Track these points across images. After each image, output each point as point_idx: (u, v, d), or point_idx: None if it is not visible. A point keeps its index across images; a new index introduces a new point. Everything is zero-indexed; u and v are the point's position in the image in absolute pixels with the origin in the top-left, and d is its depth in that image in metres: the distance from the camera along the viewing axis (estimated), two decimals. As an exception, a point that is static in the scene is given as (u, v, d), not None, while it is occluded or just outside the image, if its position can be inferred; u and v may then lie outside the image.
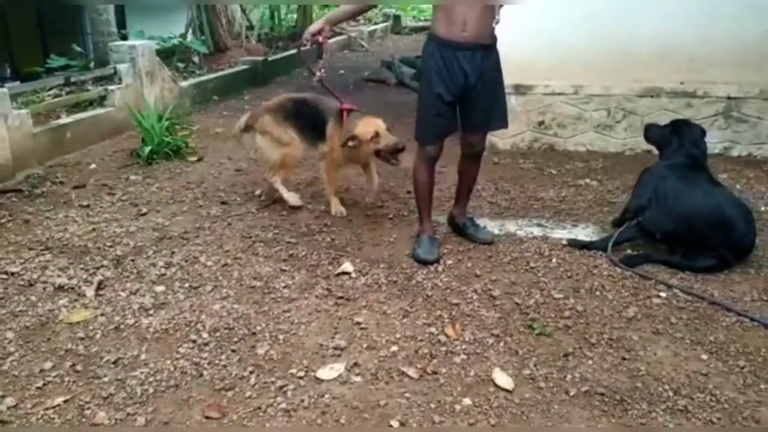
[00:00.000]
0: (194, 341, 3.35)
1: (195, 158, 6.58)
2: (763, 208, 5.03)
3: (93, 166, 6.29)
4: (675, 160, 4.35)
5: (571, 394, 2.95)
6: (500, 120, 4.23)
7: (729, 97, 6.22)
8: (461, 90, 4.01)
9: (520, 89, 6.48)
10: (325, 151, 5.02)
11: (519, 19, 5.95)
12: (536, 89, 6.51)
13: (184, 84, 9.03)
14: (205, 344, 3.32)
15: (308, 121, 5.06)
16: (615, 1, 6.19)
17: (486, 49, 3.97)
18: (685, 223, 4.07)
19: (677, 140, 4.49)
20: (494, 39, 4.03)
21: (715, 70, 6.21)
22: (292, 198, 5.17)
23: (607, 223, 4.80)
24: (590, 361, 3.19)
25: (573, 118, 6.54)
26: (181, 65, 10.24)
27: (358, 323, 3.52)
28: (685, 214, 4.07)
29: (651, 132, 4.81)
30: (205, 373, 3.10)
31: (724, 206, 4.05)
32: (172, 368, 3.13)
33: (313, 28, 4.48)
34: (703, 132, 4.56)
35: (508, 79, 6.21)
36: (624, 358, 3.21)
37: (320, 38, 4.45)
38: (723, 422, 2.77)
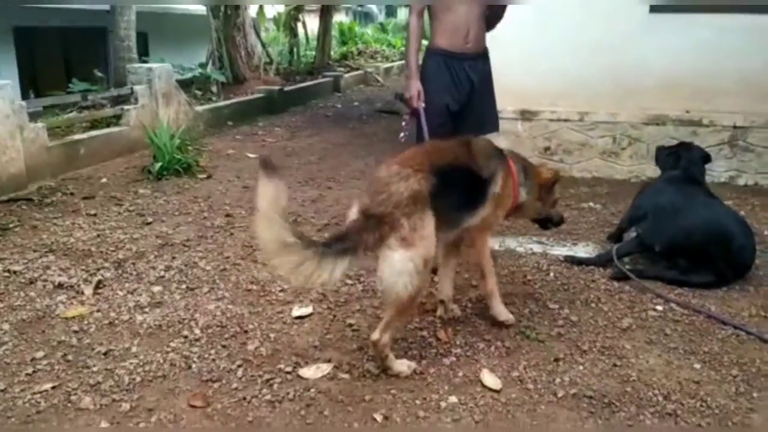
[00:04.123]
0: (186, 337, 3.37)
1: (204, 176, 6.68)
2: (767, 233, 4.99)
3: (104, 180, 6.41)
4: (672, 175, 4.36)
5: (559, 396, 2.92)
6: (492, 125, 4.33)
7: (734, 126, 6.24)
8: (467, 98, 4.12)
9: (525, 115, 6.54)
10: (479, 222, 3.33)
11: (527, 45, 6.08)
12: (542, 115, 6.57)
13: (199, 108, 9.23)
14: (197, 340, 3.34)
15: (463, 185, 3.21)
16: (622, 31, 6.27)
17: (485, 56, 4.16)
18: (683, 236, 4.05)
19: (676, 159, 4.55)
20: (486, 47, 4.24)
21: (721, 99, 6.24)
22: (405, 367, 3.10)
23: (608, 242, 4.78)
24: (581, 367, 3.16)
25: (579, 145, 6.58)
26: (199, 92, 10.47)
27: (351, 325, 3.52)
28: (683, 227, 4.05)
29: (658, 153, 4.86)
30: (193, 365, 3.11)
31: (722, 218, 4.05)
32: (161, 360, 3.14)
33: (414, 92, 4.09)
34: (706, 156, 4.59)
35: (515, 104, 6.32)
36: (615, 365, 3.18)
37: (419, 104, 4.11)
38: (713, 427, 2.72)
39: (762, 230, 5.05)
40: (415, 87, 4.06)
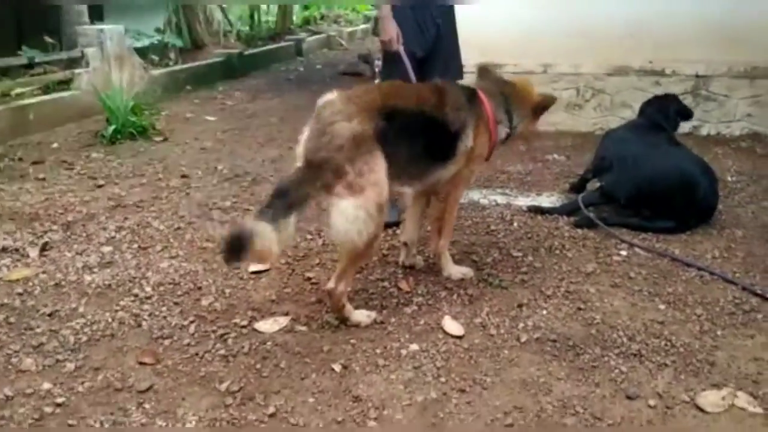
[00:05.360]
0: (136, 295, 3.22)
1: (160, 138, 6.45)
2: (729, 179, 4.99)
3: (55, 145, 6.15)
4: (636, 123, 4.30)
5: (523, 340, 2.85)
6: (457, 71, 4.18)
7: (697, 75, 6.20)
8: (433, 44, 3.99)
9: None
10: (450, 176, 3.19)
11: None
12: (505, 68, 6.39)
13: (155, 72, 8.92)
14: (148, 298, 3.20)
15: (426, 135, 3.00)
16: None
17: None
18: (647, 187, 3.99)
19: (646, 107, 4.50)
20: None
21: (683, 48, 6.18)
22: (365, 317, 2.99)
23: (568, 191, 4.73)
24: (544, 312, 3.10)
25: (543, 98, 6.47)
26: (156, 58, 10.14)
27: (309, 279, 3.41)
28: (647, 178, 3.99)
29: (642, 106, 4.78)
30: (143, 323, 2.97)
31: (686, 166, 3.99)
32: (109, 319, 3.00)
33: (392, 34, 3.79)
34: (683, 111, 4.54)
35: (477, 58, 6.15)
36: (579, 309, 3.12)
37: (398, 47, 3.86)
38: (677, 365, 2.68)
39: (725, 176, 5.03)
40: (393, 28, 3.83)
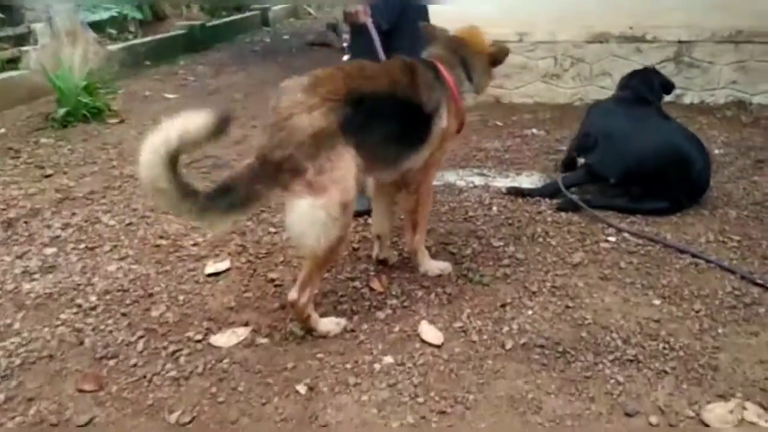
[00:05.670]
0: (80, 306, 2.90)
1: (116, 120, 6.05)
2: (717, 151, 4.74)
3: (2, 130, 5.73)
4: (621, 96, 4.03)
5: (508, 347, 2.59)
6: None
7: (679, 41, 5.91)
8: (398, 15, 3.66)
9: (462, 38, 6.08)
10: (423, 161, 2.89)
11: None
12: (479, 37, 6.11)
13: (112, 47, 8.45)
14: (92, 308, 2.88)
15: (398, 119, 2.69)
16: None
17: None
18: (638, 164, 3.71)
19: (629, 80, 4.23)
20: None
21: (664, 13, 5.90)
22: (333, 325, 2.70)
23: (553, 170, 4.44)
24: (530, 311, 2.83)
25: (519, 68, 6.16)
26: (114, 32, 9.64)
27: (273, 280, 3.11)
28: (637, 154, 3.71)
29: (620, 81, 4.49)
30: (86, 340, 2.66)
31: (679, 142, 3.72)
32: (48, 337, 2.68)
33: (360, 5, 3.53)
34: (667, 84, 4.28)
35: (448, 27, 5.82)
36: (568, 306, 2.86)
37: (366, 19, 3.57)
38: (678, 372, 2.44)
39: (712, 149, 4.78)
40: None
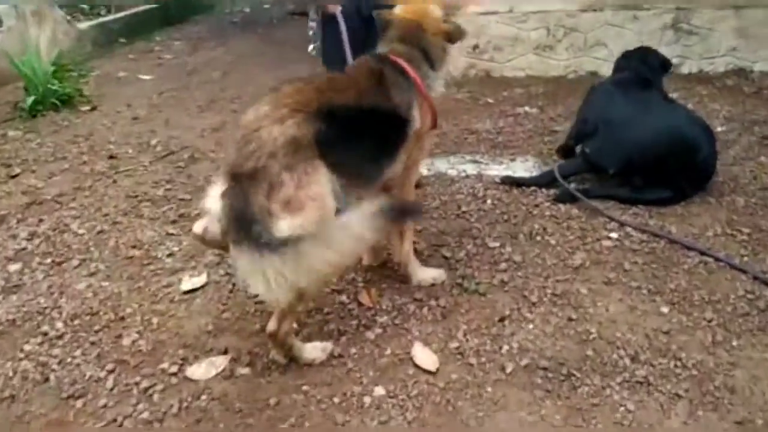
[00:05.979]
0: (45, 334, 2.69)
1: (88, 107, 5.77)
2: (719, 129, 4.50)
3: (-33, 123, 5.44)
4: (622, 78, 3.78)
5: (508, 371, 2.40)
6: None
7: (677, 8, 5.63)
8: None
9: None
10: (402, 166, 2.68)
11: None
12: (465, 10, 5.81)
13: (83, 26, 8.06)
14: (59, 337, 2.67)
15: (374, 130, 2.50)
16: None
17: None
18: (640, 153, 3.47)
19: (626, 61, 3.98)
20: None
21: (663, -23, 5.61)
22: (319, 352, 2.50)
23: (548, 155, 4.22)
24: (531, 325, 2.64)
25: (510, 40, 5.88)
26: (86, 8, 9.23)
27: (254, 296, 2.89)
28: (639, 142, 3.47)
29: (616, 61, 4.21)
30: (52, 376, 2.45)
31: (683, 127, 3.48)
32: (10, 373, 2.48)
33: None
34: (665, 62, 4.01)
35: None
36: (571, 319, 2.66)
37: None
38: (692, 395, 2.26)
39: (714, 124, 4.55)
40: None
